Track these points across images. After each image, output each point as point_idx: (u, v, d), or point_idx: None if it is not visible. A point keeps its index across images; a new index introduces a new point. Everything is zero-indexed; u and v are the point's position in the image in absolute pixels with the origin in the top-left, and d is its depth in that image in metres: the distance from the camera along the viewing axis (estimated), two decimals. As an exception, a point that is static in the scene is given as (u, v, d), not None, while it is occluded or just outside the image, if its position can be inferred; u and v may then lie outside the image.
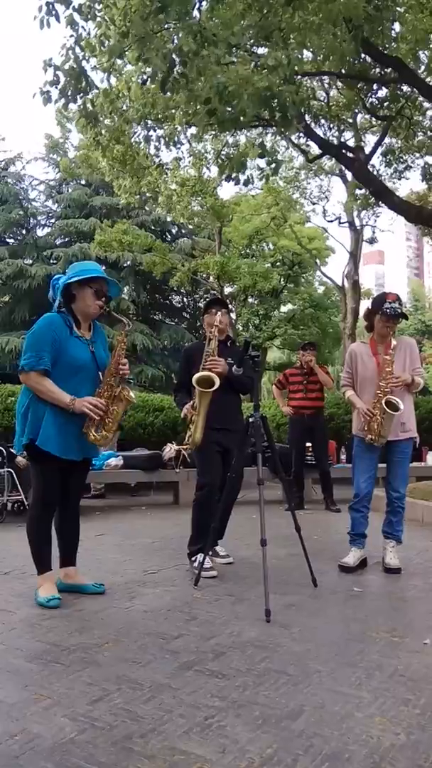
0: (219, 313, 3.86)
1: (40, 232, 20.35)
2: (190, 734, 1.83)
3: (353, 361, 3.91)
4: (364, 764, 1.67)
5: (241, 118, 4.81)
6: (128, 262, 18.13)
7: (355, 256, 17.39)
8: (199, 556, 3.61)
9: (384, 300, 3.72)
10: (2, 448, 5.99)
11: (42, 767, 1.66)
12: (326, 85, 10.18)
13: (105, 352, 3.32)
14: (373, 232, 17.73)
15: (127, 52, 5.65)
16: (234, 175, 5.48)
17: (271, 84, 4.61)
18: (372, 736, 1.81)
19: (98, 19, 5.56)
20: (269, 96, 4.71)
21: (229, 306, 4.79)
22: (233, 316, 19.20)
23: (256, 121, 7.40)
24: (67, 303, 3.20)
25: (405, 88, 8.18)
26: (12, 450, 6.00)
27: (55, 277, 3.30)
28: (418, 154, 10.85)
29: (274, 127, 8.65)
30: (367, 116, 10.56)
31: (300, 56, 6.41)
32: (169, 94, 5.41)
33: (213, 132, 9.15)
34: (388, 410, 3.57)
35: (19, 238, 19.95)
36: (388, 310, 3.66)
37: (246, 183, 5.75)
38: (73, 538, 3.39)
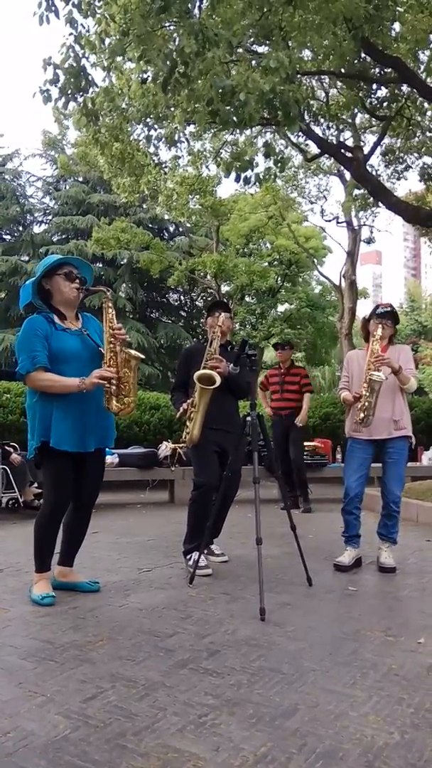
0: (222, 315, 3.89)
1: (37, 229, 20.31)
2: (184, 732, 1.83)
3: (350, 366, 4.00)
4: (357, 763, 1.67)
5: (248, 120, 4.79)
6: (125, 260, 18.11)
7: (352, 256, 17.40)
8: (194, 555, 3.62)
9: (377, 307, 4.02)
10: (-3, 446, 5.98)
11: (35, 764, 1.66)
12: (326, 85, 10.17)
13: (99, 337, 3.24)
14: (371, 232, 17.75)
15: (127, 50, 5.62)
16: (243, 175, 5.45)
17: (274, 86, 4.60)
18: (366, 735, 1.82)
19: (98, 15, 5.54)
20: (272, 97, 4.71)
21: (231, 310, 4.76)
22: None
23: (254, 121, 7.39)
24: (46, 302, 3.18)
25: (405, 88, 8.18)
26: (7, 447, 5.99)
27: (25, 283, 3.26)
28: (417, 155, 10.85)
29: (273, 126, 8.63)
30: (367, 116, 10.55)
31: (300, 55, 6.40)
32: (169, 94, 5.39)
33: (213, 130, 9.14)
34: (372, 379, 3.62)
35: (15, 234, 19.89)
36: (379, 310, 3.92)
37: (257, 181, 5.72)
38: (78, 537, 3.37)
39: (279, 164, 5.79)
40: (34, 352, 2.99)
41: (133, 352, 3.18)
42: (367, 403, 3.67)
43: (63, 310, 3.19)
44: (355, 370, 3.92)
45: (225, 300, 18.48)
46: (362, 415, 3.69)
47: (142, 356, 3.25)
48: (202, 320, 18.40)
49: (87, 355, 3.14)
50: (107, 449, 6.86)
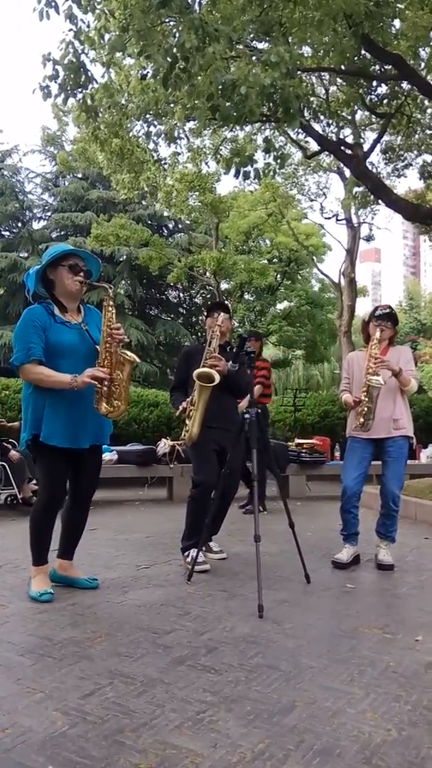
0: (221, 315, 3.90)
1: (36, 225, 20.29)
2: (182, 729, 1.83)
3: (350, 367, 4.01)
4: (355, 760, 1.67)
5: (248, 115, 4.77)
6: (124, 257, 18.09)
7: (351, 254, 17.38)
8: (192, 552, 3.62)
9: (376, 309, 4.01)
10: (-4, 442, 5.97)
11: (33, 761, 1.66)
12: (326, 82, 10.15)
13: (100, 330, 3.15)
14: (370, 230, 17.74)
15: (127, 46, 5.61)
16: (242, 170, 5.44)
17: (274, 80, 4.59)
18: (363, 732, 1.82)
19: (97, 11, 5.52)
20: (272, 92, 4.69)
21: (231, 311, 4.62)
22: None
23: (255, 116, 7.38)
24: (49, 291, 3.16)
25: (405, 85, 8.17)
26: (5, 444, 5.99)
27: (29, 271, 3.23)
28: (416, 152, 10.84)
29: (273, 122, 8.62)
30: (367, 113, 10.53)
31: (300, 52, 6.38)
32: (170, 89, 5.38)
33: (213, 126, 9.13)
34: (370, 384, 3.64)
35: (14, 230, 19.87)
36: (377, 312, 3.91)
37: (257, 176, 5.71)
38: (77, 532, 3.36)
39: (278, 159, 5.78)
40: (29, 343, 2.97)
41: (128, 354, 3.11)
42: (366, 409, 3.69)
43: (64, 302, 3.15)
44: (355, 372, 3.93)
45: (224, 297, 18.49)
46: (362, 420, 3.72)
47: (138, 360, 3.18)
48: (201, 317, 18.37)
49: (84, 350, 3.10)
50: (106, 446, 6.85)
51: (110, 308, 3.10)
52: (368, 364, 3.74)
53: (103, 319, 3.11)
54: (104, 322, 3.09)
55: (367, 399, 3.69)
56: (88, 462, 3.23)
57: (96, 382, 2.99)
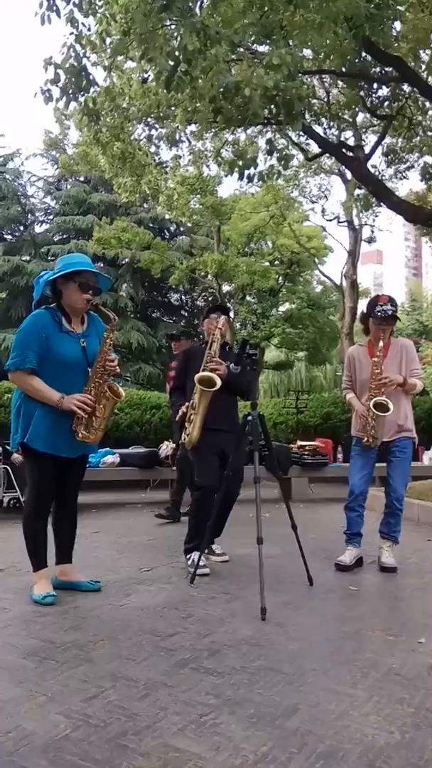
0: (222, 317, 3.91)
1: (38, 229, 20.38)
2: (185, 732, 1.82)
3: (351, 364, 3.97)
4: (358, 763, 1.67)
5: (252, 117, 4.79)
6: (126, 260, 18.14)
7: (353, 256, 17.39)
8: (194, 555, 3.62)
9: (376, 303, 3.77)
10: (-2, 445, 5.98)
11: (36, 764, 1.66)
12: (327, 84, 10.16)
13: (101, 340, 3.21)
14: (372, 232, 17.80)
15: (129, 50, 5.63)
16: (246, 173, 5.45)
17: (276, 82, 4.61)
18: (366, 735, 1.81)
19: (99, 15, 5.54)
20: (275, 94, 4.71)
21: (230, 312, 4.61)
22: (231, 315, 19.19)
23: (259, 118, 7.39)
24: (56, 298, 3.18)
25: (406, 87, 8.18)
26: (8, 447, 6.00)
27: (40, 274, 3.25)
28: (418, 154, 10.84)
29: (275, 125, 8.63)
30: (368, 115, 10.54)
31: (301, 54, 6.41)
32: (172, 92, 5.39)
33: (214, 129, 9.14)
34: (375, 411, 3.61)
35: (16, 234, 19.94)
36: (379, 313, 3.71)
37: (261, 178, 5.74)
38: (70, 536, 3.38)
39: (282, 161, 5.79)
40: (27, 351, 2.99)
41: (115, 388, 3.14)
42: (373, 432, 3.69)
43: (70, 313, 3.18)
44: (357, 369, 3.90)
45: (226, 299, 18.52)
46: (369, 439, 3.73)
47: (122, 396, 3.21)
48: (200, 318, 18.30)
49: (84, 363, 3.13)
50: (108, 449, 6.81)
51: (109, 340, 3.14)
52: (371, 381, 3.69)
53: (101, 347, 3.13)
54: (101, 354, 3.12)
55: (373, 422, 3.67)
56: (75, 469, 3.29)
57: (80, 411, 3.02)
